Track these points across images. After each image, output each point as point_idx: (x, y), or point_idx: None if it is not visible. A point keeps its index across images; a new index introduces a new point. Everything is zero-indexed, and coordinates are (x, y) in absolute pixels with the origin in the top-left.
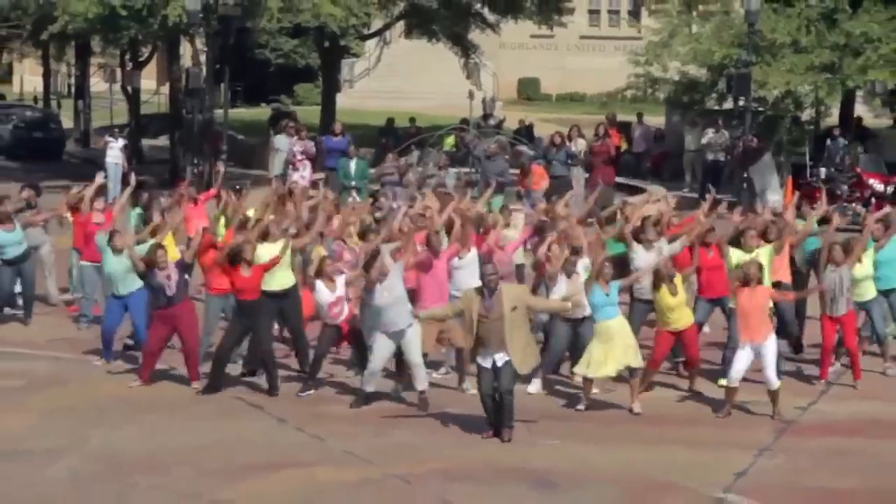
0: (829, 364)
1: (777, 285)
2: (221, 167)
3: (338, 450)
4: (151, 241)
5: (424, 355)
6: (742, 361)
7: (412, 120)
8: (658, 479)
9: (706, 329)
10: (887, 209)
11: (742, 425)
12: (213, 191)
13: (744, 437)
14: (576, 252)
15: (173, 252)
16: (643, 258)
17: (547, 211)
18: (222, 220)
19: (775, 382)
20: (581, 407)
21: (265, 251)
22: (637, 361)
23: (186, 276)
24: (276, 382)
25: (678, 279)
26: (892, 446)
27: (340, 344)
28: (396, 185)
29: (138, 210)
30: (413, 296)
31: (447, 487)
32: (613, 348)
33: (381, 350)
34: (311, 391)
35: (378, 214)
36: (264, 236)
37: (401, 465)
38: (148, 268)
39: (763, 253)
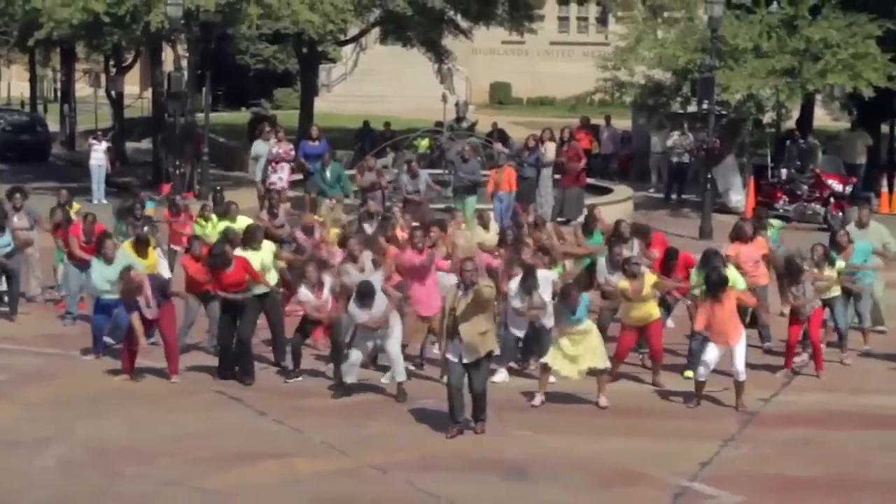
0: (793, 356)
1: (752, 290)
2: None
3: (316, 441)
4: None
5: (404, 346)
6: (712, 357)
7: (387, 124)
8: (626, 468)
9: (670, 324)
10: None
11: (707, 416)
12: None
13: (709, 427)
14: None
15: (153, 259)
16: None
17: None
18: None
19: (743, 374)
20: (536, 402)
21: (252, 257)
22: (602, 363)
23: (169, 275)
24: (252, 370)
25: (647, 282)
26: (852, 436)
27: (316, 335)
28: (374, 189)
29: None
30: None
31: (421, 477)
32: (579, 349)
33: (361, 343)
34: (299, 378)
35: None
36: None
37: (376, 455)
38: (125, 300)
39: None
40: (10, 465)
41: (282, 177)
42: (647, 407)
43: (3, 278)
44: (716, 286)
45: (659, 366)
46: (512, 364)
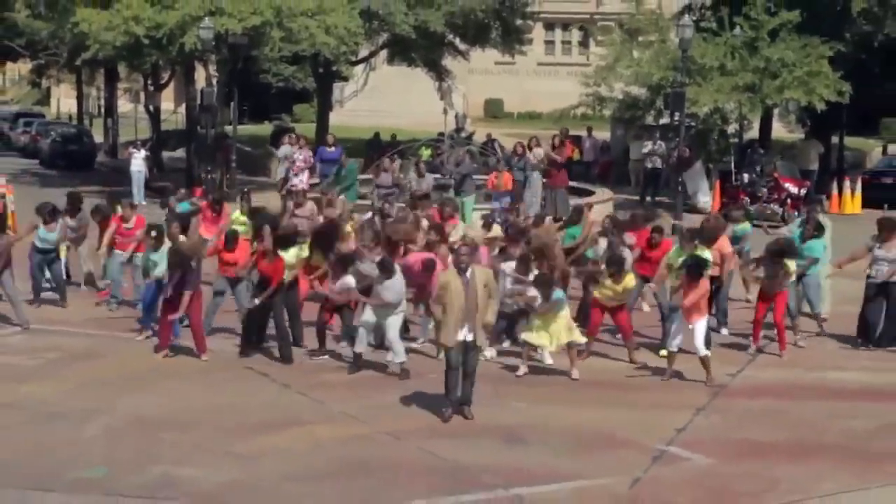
0: (759, 332)
1: (714, 279)
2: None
3: (335, 411)
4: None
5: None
6: (678, 332)
7: (393, 136)
8: (610, 434)
9: (646, 308)
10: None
11: (681, 389)
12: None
13: (683, 399)
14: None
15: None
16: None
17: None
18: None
19: (703, 351)
20: (520, 373)
21: (290, 254)
22: (572, 337)
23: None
24: (290, 352)
25: (628, 282)
26: (810, 406)
27: (332, 318)
28: (391, 188)
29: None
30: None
31: (430, 442)
32: (549, 324)
33: (367, 320)
34: (325, 356)
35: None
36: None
37: (389, 423)
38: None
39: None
40: (61, 433)
41: (302, 179)
42: (627, 381)
43: (47, 270)
44: (696, 267)
45: (631, 344)
46: (506, 345)
